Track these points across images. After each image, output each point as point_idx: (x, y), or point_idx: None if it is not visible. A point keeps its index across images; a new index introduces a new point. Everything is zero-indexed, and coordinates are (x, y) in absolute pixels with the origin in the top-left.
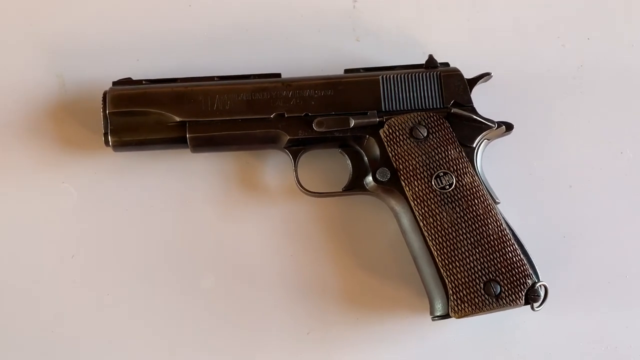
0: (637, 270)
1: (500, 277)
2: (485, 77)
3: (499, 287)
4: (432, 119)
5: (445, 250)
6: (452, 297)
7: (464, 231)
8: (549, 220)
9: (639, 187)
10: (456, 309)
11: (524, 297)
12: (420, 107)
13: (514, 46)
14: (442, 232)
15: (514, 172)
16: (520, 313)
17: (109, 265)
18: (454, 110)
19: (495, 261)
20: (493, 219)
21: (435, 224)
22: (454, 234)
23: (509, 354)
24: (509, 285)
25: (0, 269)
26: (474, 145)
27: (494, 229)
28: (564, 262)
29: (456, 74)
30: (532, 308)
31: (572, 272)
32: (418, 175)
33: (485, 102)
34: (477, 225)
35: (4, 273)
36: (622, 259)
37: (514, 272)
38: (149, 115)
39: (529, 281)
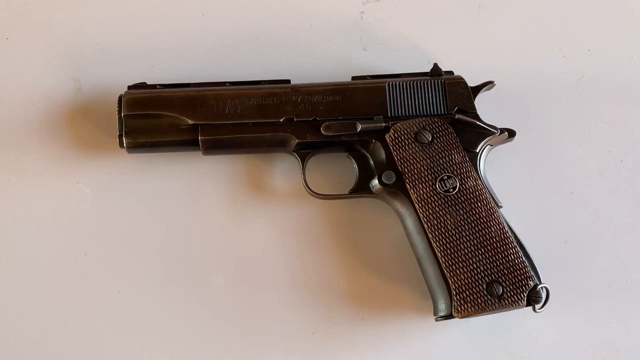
0: (637, 275)
1: (503, 278)
2: (488, 86)
3: (501, 288)
4: (436, 124)
5: (448, 251)
6: (455, 298)
7: (467, 233)
8: (550, 226)
9: (638, 194)
10: (459, 309)
11: (525, 298)
12: (425, 113)
13: (517, 56)
14: (446, 234)
15: (516, 179)
16: (522, 316)
17: (120, 264)
18: (457, 116)
19: (498, 262)
20: (495, 222)
21: (439, 225)
22: (457, 235)
23: (511, 356)
24: (511, 287)
25: (15, 265)
26: (477, 150)
27: (497, 231)
28: (565, 267)
29: (460, 81)
30: (534, 309)
31: (573, 277)
32: (422, 179)
33: (488, 109)
34: (479, 228)
35: (19, 269)
36: (622, 264)
37: (516, 273)
38: (163, 118)
39: (530, 283)
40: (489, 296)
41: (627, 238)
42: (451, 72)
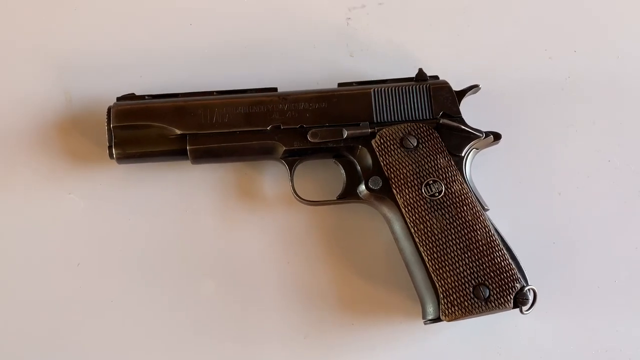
0: (625, 274)
1: (489, 281)
2: (473, 89)
3: (487, 290)
4: (421, 129)
5: (435, 255)
6: (442, 301)
7: (454, 237)
8: (538, 227)
9: (625, 194)
10: (447, 312)
11: (512, 301)
12: (411, 118)
13: (503, 59)
14: (433, 238)
15: (504, 181)
16: (512, 317)
17: (112, 273)
18: (442, 121)
19: (484, 266)
20: (481, 225)
21: (425, 230)
22: (443, 239)
23: (501, 357)
24: (498, 289)
25: (8, 275)
26: (463, 155)
27: (483, 235)
28: (554, 268)
29: (445, 86)
30: (521, 311)
31: (562, 277)
32: (408, 184)
33: (474, 113)
34: (466, 231)
35: (12, 279)
36: (610, 264)
37: (502, 276)
38: (151, 128)
39: (517, 285)
40: (475, 299)
41: (615, 238)
42: (436, 77)
